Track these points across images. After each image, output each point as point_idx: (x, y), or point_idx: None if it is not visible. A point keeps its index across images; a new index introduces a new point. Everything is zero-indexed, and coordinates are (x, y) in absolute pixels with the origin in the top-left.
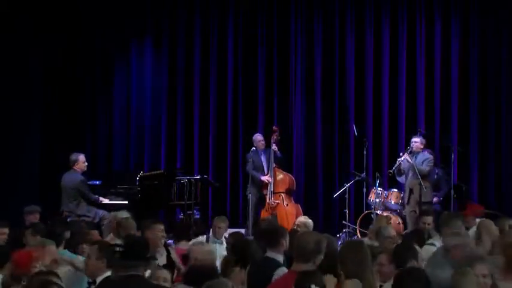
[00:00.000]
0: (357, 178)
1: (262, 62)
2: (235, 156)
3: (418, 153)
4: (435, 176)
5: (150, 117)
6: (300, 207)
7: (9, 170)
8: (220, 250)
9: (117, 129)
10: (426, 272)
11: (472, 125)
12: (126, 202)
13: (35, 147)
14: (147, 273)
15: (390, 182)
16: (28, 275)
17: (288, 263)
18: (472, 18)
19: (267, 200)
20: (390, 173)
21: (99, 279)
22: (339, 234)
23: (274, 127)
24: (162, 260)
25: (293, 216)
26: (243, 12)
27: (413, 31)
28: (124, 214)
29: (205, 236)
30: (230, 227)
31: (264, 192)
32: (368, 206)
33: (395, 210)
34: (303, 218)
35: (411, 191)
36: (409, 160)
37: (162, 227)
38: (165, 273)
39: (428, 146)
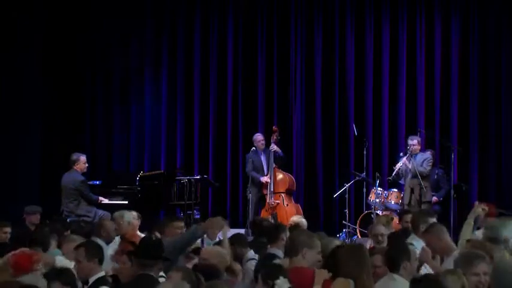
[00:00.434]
0: (357, 178)
1: (262, 62)
2: (235, 156)
3: (416, 154)
4: (435, 176)
5: (150, 117)
6: (300, 207)
7: (9, 170)
8: None
9: (117, 129)
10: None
11: (472, 125)
12: (126, 202)
13: (35, 147)
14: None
15: (390, 182)
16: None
17: None
18: (472, 18)
19: (267, 200)
20: (389, 180)
21: (92, 279)
22: (339, 234)
23: (274, 127)
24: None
25: (293, 217)
26: (243, 13)
27: (413, 31)
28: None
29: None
30: (230, 227)
31: (264, 192)
32: (368, 206)
33: (395, 210)
34: (296, 218)
35: (412, 191)
36: (408, 165)
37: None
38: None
39: (428, 146)
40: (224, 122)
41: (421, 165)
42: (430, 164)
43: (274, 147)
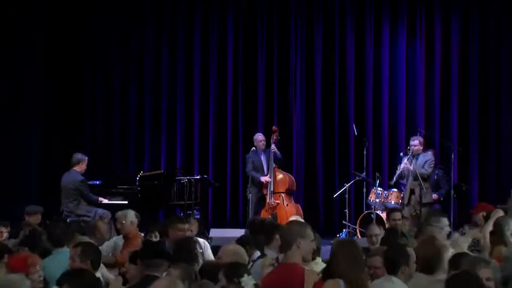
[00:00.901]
0: (357, 178)
1: (262, 62)
2: (235, 156)
3: (418, 154)
4: (435, 176)
5: (150, 117)
6: (300, 207)
7: (9, 170)
8: None
9: (117, 129)
10: None
11: (472, 125)
12: (126, 202)
13: (35, 147)
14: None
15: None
16: None
17: None
18: (472, 18)
19: (267, 200)
20: (391, 184)
21: None
22: (339, 234)
23: (274, 127)
24: None
25: (292, 218)
26: (243, 13)
27: (413, 31)
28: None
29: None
30: (230, 227)
31: (264, 192)
32: (368, 206)
33: None
34: (294, 218)
35: (412, 192)
36: (409, 167)
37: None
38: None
39: (428, 146)
40: (224, 122)
41: (423, 167)
42: (432, 165)
43: (273, 148)
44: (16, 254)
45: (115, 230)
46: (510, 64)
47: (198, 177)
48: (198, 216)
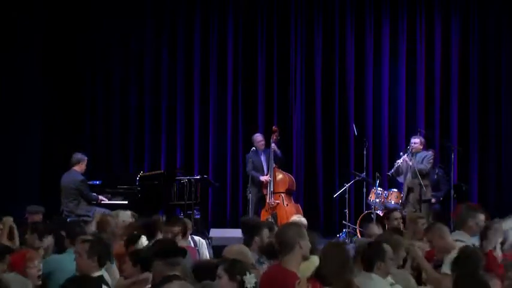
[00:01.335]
0: (357, 178)
1: (262, 62)
2: (235, 156)
3: (418, 153)
4: (435, 176)
5: (150, 117)
6: (300, 207)
7: (9, 170)
8: None
9: (117, 129)
10: None
11: (472, 125)
12: (126, 202)
13: (35, 147)
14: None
15: (390, 182)
16: None
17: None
18: (472, 18)
19: (267, 200)
20: (389, 175)
21: None
22: (339, 234)
23: (274, 127)
24: None
25: (293, 217)
26: (243, 13)
27: (413, 31)
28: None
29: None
30: (230, 227)
31: (264, 192)
32: (368, 206)
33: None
34: (296, 217)
35: (410, 190)
36: (408, 162)
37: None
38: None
39: (428, 146)
40: (224, 122)
41: (421, 163)
42: (431, 161)
43: (273, 146)
44: (18, 250)
45: None
46: (510, 64)
47: (198, 177)
48: (198, 216)
